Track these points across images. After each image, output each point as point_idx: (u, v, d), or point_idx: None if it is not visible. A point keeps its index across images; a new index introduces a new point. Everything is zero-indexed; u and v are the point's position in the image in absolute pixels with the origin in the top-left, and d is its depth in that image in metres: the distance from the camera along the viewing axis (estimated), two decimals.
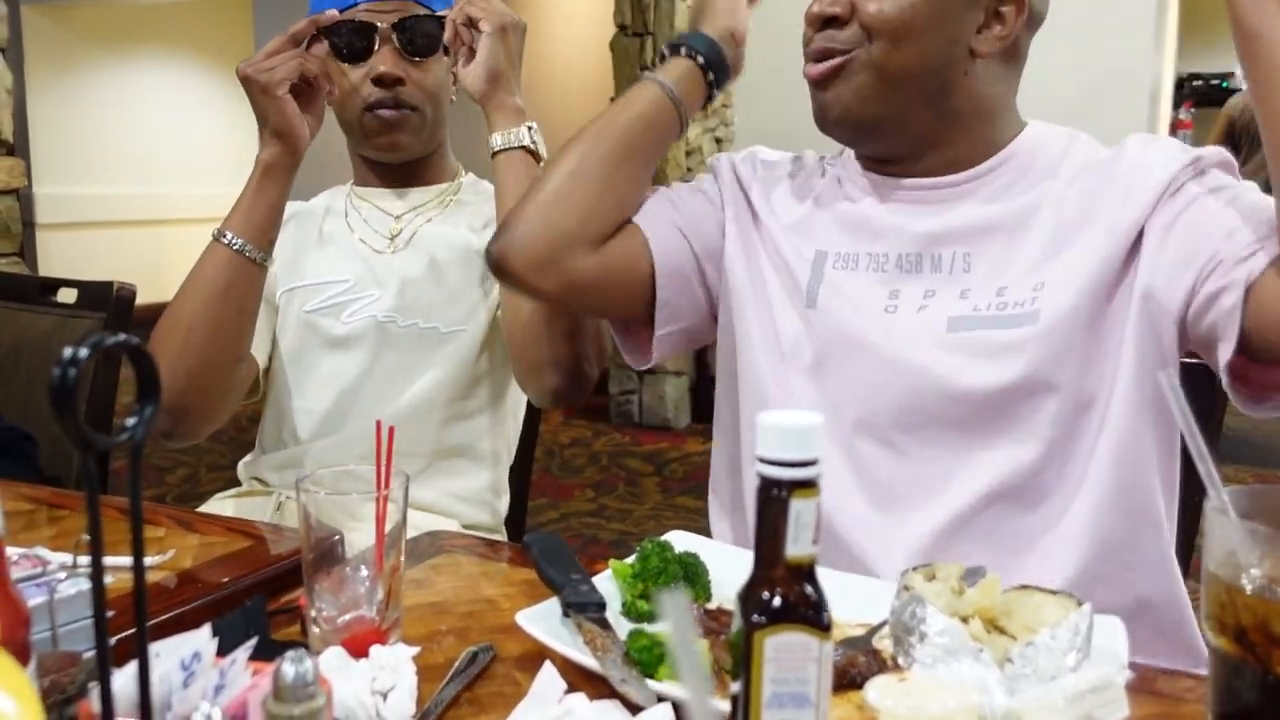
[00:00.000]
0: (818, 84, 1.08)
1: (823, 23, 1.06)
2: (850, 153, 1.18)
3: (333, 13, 1.38)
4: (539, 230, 1.09)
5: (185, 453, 4.16)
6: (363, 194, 1.53)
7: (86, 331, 1.88)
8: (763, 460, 0.55)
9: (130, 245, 7.57)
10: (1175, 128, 6.15)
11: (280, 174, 1.32)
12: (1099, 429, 1.01)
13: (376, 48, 1.40)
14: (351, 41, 1.40)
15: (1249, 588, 0.57)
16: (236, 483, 1.52)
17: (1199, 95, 6.98)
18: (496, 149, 1.32)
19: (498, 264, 1.11)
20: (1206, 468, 0.62)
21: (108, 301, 1.88)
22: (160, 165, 7.97)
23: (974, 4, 1.04)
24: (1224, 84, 7.04)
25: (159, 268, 6.68)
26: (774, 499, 0.55)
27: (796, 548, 0.55)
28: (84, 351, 0.48)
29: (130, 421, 0.51)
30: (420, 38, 1.42)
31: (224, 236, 1.31)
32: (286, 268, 1.49)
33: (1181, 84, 6.87)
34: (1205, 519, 0.59)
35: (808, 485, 0.55)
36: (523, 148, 1.32)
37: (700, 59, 1.14)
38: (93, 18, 7.64)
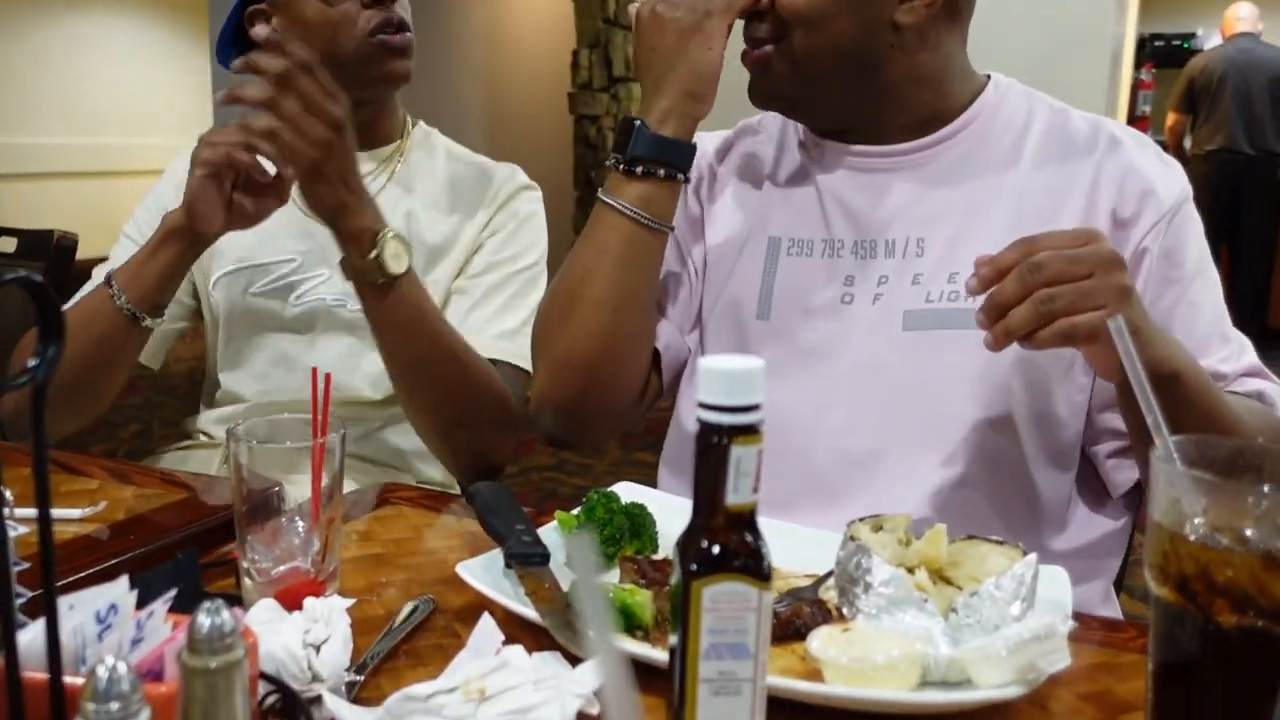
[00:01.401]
0: (752, 71, 1.08)
1: (750, 14, 1.04)
2: None
3: None
4: (577, 415, 1.11)
5: (138, 408, 4.11)
6: None
7: None
8: (703, 405, 0.54)
9: (80, 196, 7.40)
10: (1137, 88, 6.17)
11: (177, 244, 1.20)
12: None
13: None
14: None
15: (1192, 536, 0.56)
16: (188, 438, 1.49)
17: (1160, 56, 7.00)
18: (354, 282, 1.18)
19: (547, 439, 1.15)
20: (1154, 417, 0.61)
21: (47, 251, 1.83)
22: (111, 117, 7.79)
23: None
24: (1185, 44, 7.07)
25: (109, 220, 6.54)
26: (714, 446, 0.53)
27: (737, 496, 0.54)
28: None
29: (31, 363, 0.48)
30: None
31: (110, 285, 1.21)
32: (230, 240, 1.38)
33: (1143, 44, 6.88)
34: (1151, 468, 0.58)
35: (749, 431, 0.53)
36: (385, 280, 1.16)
37: (661, 172, 1.05)
38: None
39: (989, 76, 1.11)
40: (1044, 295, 0.79)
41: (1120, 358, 0.68)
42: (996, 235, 1.00)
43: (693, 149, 1.06)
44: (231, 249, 1.41)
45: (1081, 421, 1.03)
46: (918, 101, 1.06)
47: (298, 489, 0.83)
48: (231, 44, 1.45)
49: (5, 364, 1.49)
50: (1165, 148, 5.57)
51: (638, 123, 1.05)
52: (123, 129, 7.81)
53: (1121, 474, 1.03)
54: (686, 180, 1.07)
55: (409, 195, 1.43)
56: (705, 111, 1.05)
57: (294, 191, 1.38)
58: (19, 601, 0.61)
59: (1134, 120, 6.07)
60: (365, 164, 1.42)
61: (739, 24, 1.06)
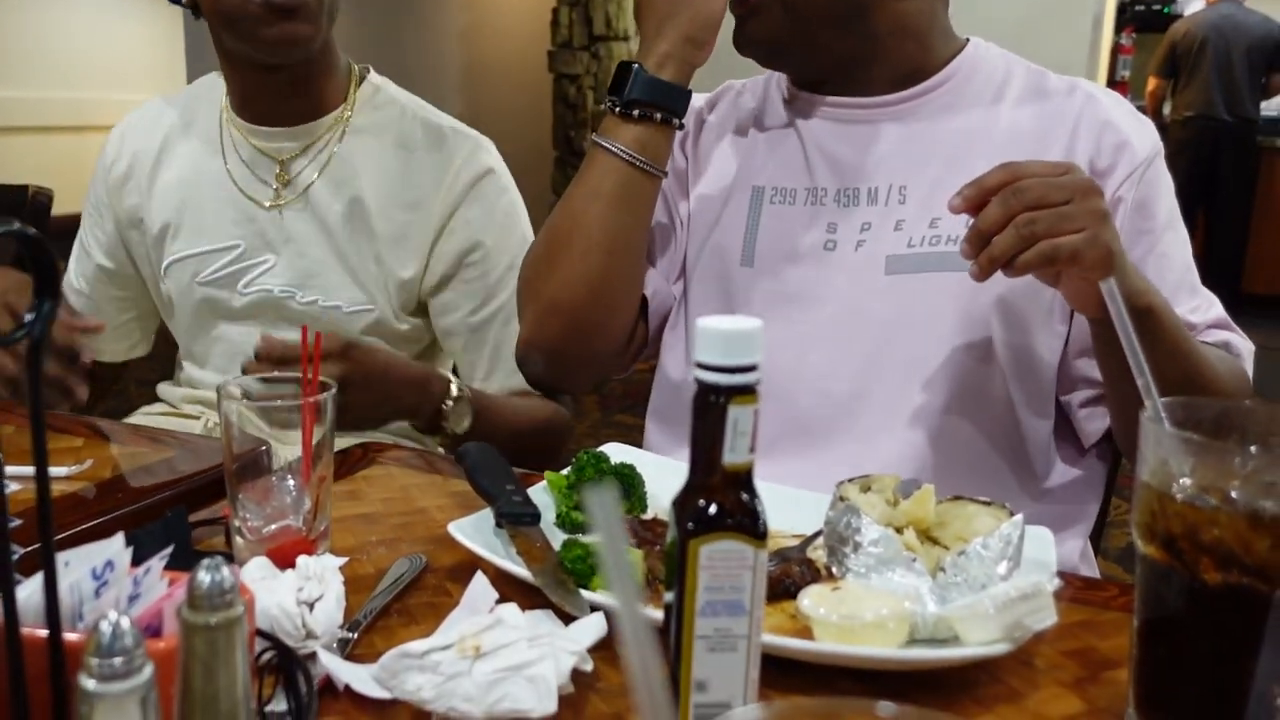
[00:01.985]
0: (737, 18, 1.07)
1: None
2: (781, 74, 1.16)
3: None
4: (564, 359, 1.12)
5: (116, 377, 4.07)
6: (241, 128, 1.35)
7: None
8: (701, 365, 0.54)
9: (53, 150, 7.29)
10: (1117, 52, 6.16)
11: None
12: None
13: None
14: None
15: (1179, 496, 0.57)
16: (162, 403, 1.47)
17: (1140, 20, 6.99)
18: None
19: (532, 382, 1.19)
20: (1145, 380, 0.62)
21: (23, 207, 1.81)
22: (84, 70, 7.65)
23: None
24: (1165, 10, 7.05)
25: (83, 175, 6.45)
26: (712, 405, 0.54)
27: (734, 455, 0.54)
28: None
29: (28, 317, 0.48)
30: None
31: None
32: (170, 229, 1.36)
33: (1124, 9, 6.86)
34: (1140, 428, 0.59)
35: (746, 391, 0.54)
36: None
37: (658, 116, 1.05)
38: None
39: (968, 39, 1.13)
40: (1025, 219, 0.82)
41: (1108, 308, 0.70)
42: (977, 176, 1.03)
43: (689, 94, 1.06)
44: (175, 236, 1.36)
45: (1055, 367, 1.05)
46: (902, 53, 1.07)
47: (288, 448, 0.83)
48: None
49: None
50: (1145, 113, 5.61)
51: (635, 65, 1.05)
52: (96, 83, 7.68)
53: (1093, 424, 1.06)
54: (681, 126, 1.07)
55: (353, 180, 1.32)
56: (704, 58, 1.05)
57: (230, 164, 1.34)
58: (14, 558, 0.61)
59: (1114, 85, 6.06)
60: (305, 132, 1.33)
61: None
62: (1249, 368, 1.02)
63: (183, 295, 1.37)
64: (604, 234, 1.06)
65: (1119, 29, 6.46)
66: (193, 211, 1.35)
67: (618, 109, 1.05)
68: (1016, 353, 1.03)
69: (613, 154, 1.05)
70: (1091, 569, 1.09)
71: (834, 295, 1.06)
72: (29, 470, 0.76)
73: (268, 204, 1.33)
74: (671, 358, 1.16)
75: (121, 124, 1.45)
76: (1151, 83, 6.03)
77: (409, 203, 1.32)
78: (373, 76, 1.40)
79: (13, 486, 0.71)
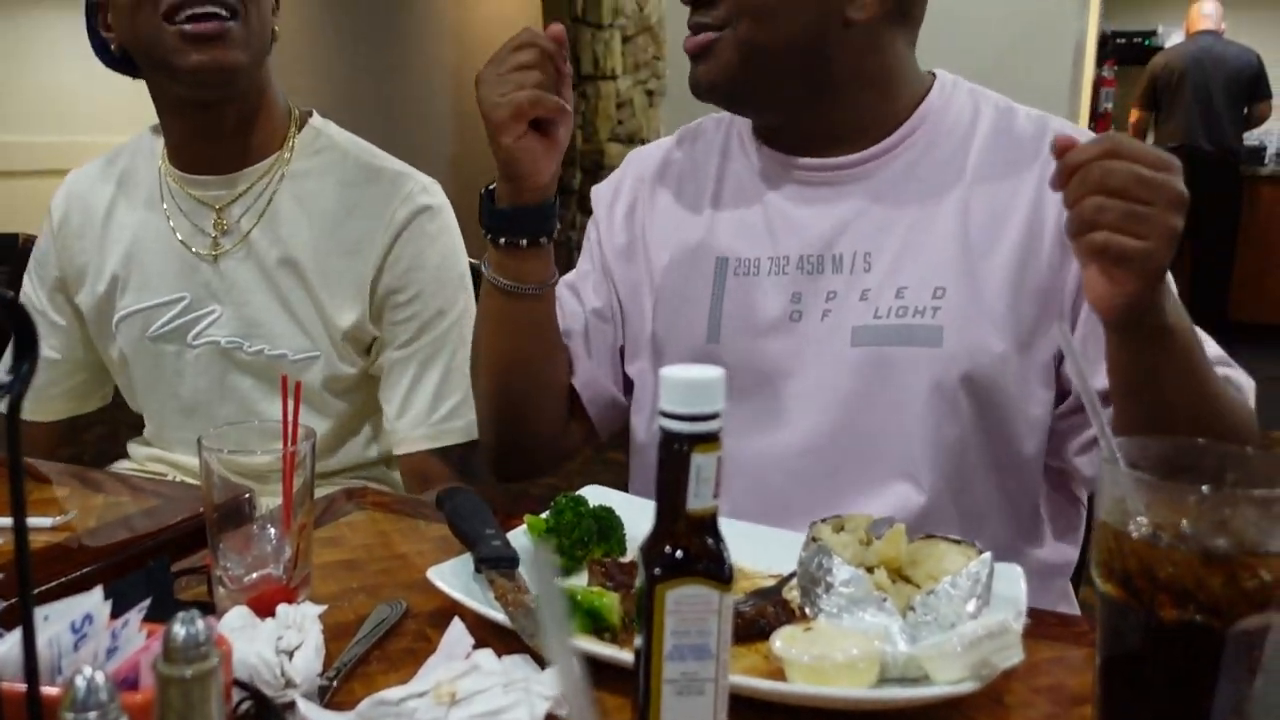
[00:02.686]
0: (691, 58, 1.05)
1: (695, 1, 1.03)
2: (745, 122, 1.15)
3: None
4: (501, 458, 1.18)
5: (103, 410, 4.07)
6: (178, 178, 1.33)
7: None
8: (664, 414, 0.55)
9: (42, 195, 7.31)
10: (1099, 85, 6.24)
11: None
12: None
13: None
14: None
15: (1135, 534, 0.58)
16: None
17: (1122, 53, 7.08)
18: None
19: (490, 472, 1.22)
20: (1099, 421, 0.64)
21: (13, 253, 1.82)
22: (72, 114, 7.68)
23: None
24: (1146, 42, 7.15)
25: None
26: (675, 453, 0.55)
27: (697, 501, 0.56)
28: None
29: (5, 377, 0.49)
30: None
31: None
32: (119, 283, 1.35)
33: (1105, 41, 6.95)
34: (1098, 468, 0.61)
35: (709, 439, 0.55)
36: None
37: (523, 241, 1.05)
38: None
39: (934, 75, 1.11)
40: (1095, 204, 0.78)
41: (1062, 347, 0.69)
42: (943, 246, 1.02)
43: (534, 216, 1.04)
44: (124, 291, 1.35)
45: (1041, 436, 1.03)
46: (863, 102, 1.06)
47: (268, 496, 0.84)
48: (98, 44, 1.33)
49: None
50: None
51: (486, 190, 1.06)
52: (83, 126, 7.73)
53: (1090, 470, 1.02)
54: (543, 243, 1.06)
55: (291, 226, 1.30)
56: (531, 188, 1.03)
57: (168, 212, 1.32)
58: None
59: (1096, 117, 6.14)
60: (241, 180, 1.30)
61: (685, 12, 1.06)
62: (1251, 403, 1.00)
63: (135, 351, 1.36)
64: (494, 355, 1.12)
65: (1100, 61, 6.55)
66: (139, 265, 1.34)
67: (486, 235, 1.07)
68: (992, 425, 1.01)
69: (488, 280, 1.08)
70: (1071, 607, 1.09)
71: (801, 368, 1.05)
72: (7, 522, 0.78)
73: (208, 254, 1.32)
74: (638, 420, 1.18)
75: (65, 183, 1.44)
76: (1134, 115, 6.10)
77: (348, 247, 1.30)
78: (315, 120, 1.38)
79: None
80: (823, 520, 0.83)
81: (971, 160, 1.05)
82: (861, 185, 1.06)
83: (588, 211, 1.20)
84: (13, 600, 0.56)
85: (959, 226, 1.03)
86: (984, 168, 1.04)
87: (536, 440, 1.17)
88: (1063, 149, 0.81)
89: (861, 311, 1.03)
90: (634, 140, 5.30)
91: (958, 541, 0.81)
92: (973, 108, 1.08)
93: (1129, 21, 7.28)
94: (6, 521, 0.78)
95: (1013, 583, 0.81)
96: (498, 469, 1.20)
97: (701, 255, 1.11)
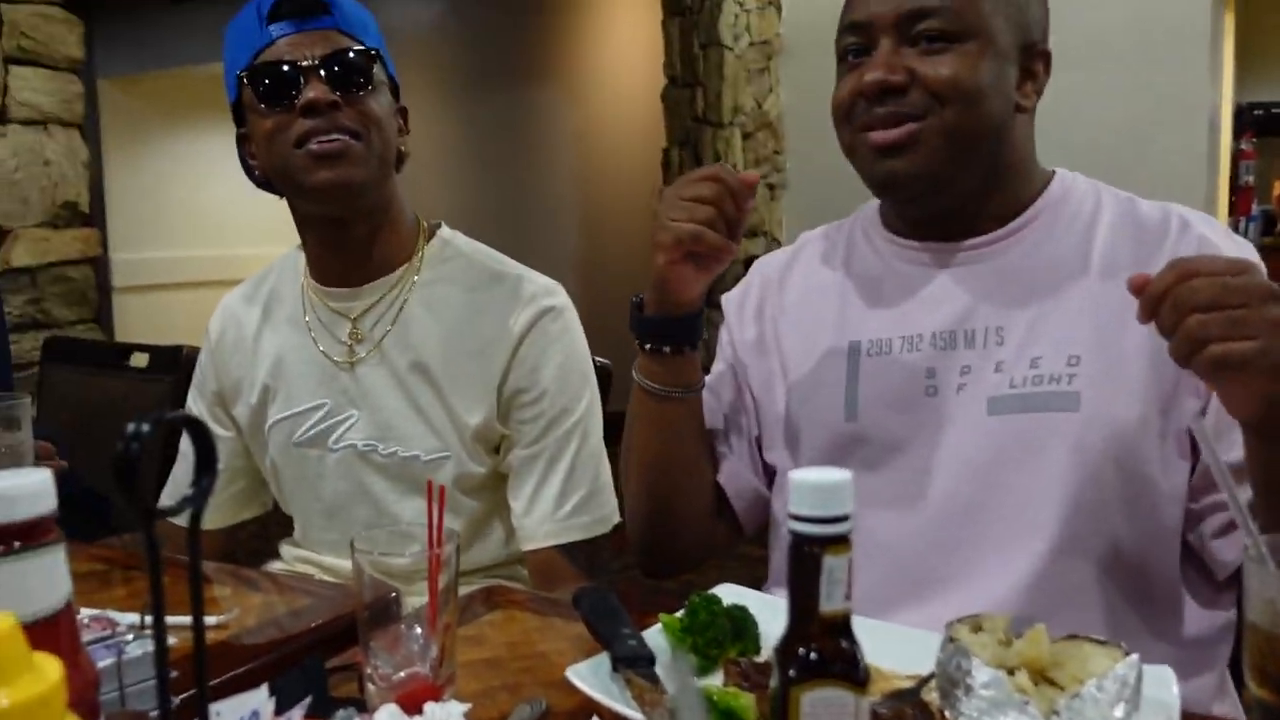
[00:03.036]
0: (887, 151, 1.05)
1: (882, 92, 1.04)
2: (870, 216, 1.19)
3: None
4: (651, 555, 1.22)
5: None
6: (318, 291, 1.42)
7: (158, 396, 1.95)
8: (794, 517, 0.57)
9: (203, 305, 7.76)
10: (1238, 158, 6.04)
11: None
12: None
13: (303, 85, 1.27)
14: (275, 83, 1.27)
15: None
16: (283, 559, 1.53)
17: (1260, 124, 6.85)
18: None
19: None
20: (1243, 518, 0.62)
21: (177, 364, 1.96)
22: (229, 227, 8.20)
23: (1014, 61, 1.06)
24: None
25: None
26: (806, 556, 0.56)
27: (830, 604, 0.57)
28: (146, 427, 0.51)
29: (189, 491, 0.54)
30: (353, 72, 1.29)
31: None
32: (270, 393, 1.43)
33: (1241, 113, 6.74)
34: (1244, 567, 0.59)
35: (840, 541, 0.56)
36: None
37: (665, 349, 1.10)
38: (164, 88, 7.93)
39: (1054, 171, 1.14)
40: (1196, 322, 0.79)
41: (1205, 454, 0.69)
42: (1075, 317, 1.04)
43: (682, 326, 1.09)
44: (274, 400, 1.43)
45: (1181, 504, 1.02)
46: (1010, 189, 1.09)
47: (414, 596, 0.88)
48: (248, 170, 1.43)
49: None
50: (1274, 219, 5.37)
51: (635, 300, 1.11)
52: (240, 239, 8.23)
53: (1227, 554, 1.01)
54: (688, 351, 1.10)
55: (421, 331, 1.36)
56: (678, 304, 1.08)
57: (310, 323, 1.41)
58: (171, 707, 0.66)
59: (1236, 190, 5.93)
60: (372, 291, 1.38)
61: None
62: None
63: (283, 457, 1.43)
64: (644, 455, 1.16)
65: (1238, 134, 6.35)
66: (285, 376, 1.42)
67: (635, 340, 1.12)
68: (1132, 491, 1.00)
69: (637, 383, 1.13)
70: (1231, 706, 1.04)
71: (938, 441, 1.06)
72: (183, 621, 0.83)
73: (345, 361, 1.39)
74: (780, 505, 1.19)
75: (220, 304, 1.54)
76: (1278, 187, 5.87)
77: (475, 350, 1.35)
78: (443, 231, 1.44)
79: (171, 640, 0.77)
80: (959, 620, 0.82)
81: (1098, 241, 1.07)
82: (989, 265, 1.09)
83: (714, 306, 1.24)
84: (187, 694, 0.60)
85: (1090, 299, 1.04)
86: (1112, 248, 1.06)
87: (685, 537, 1.20)
88: (1139, 286, 0.83)
89: (997, 383, 1.04)
90: (756, 234, 5.36)
91: (1103, 642, 0.78)
92: (1094, 196, 1.11)
93: (1267, 92, 7.05)
94: (178, 620, 0.84)
95: (1164, 686, 0.78)
96: (646, 566, 1.23)
97: (834, 340, 1.14)
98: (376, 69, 1.32)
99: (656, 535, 1.20)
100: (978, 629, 0.81)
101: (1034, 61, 1.07)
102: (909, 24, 1.03)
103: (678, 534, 1.20)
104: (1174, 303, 0.80)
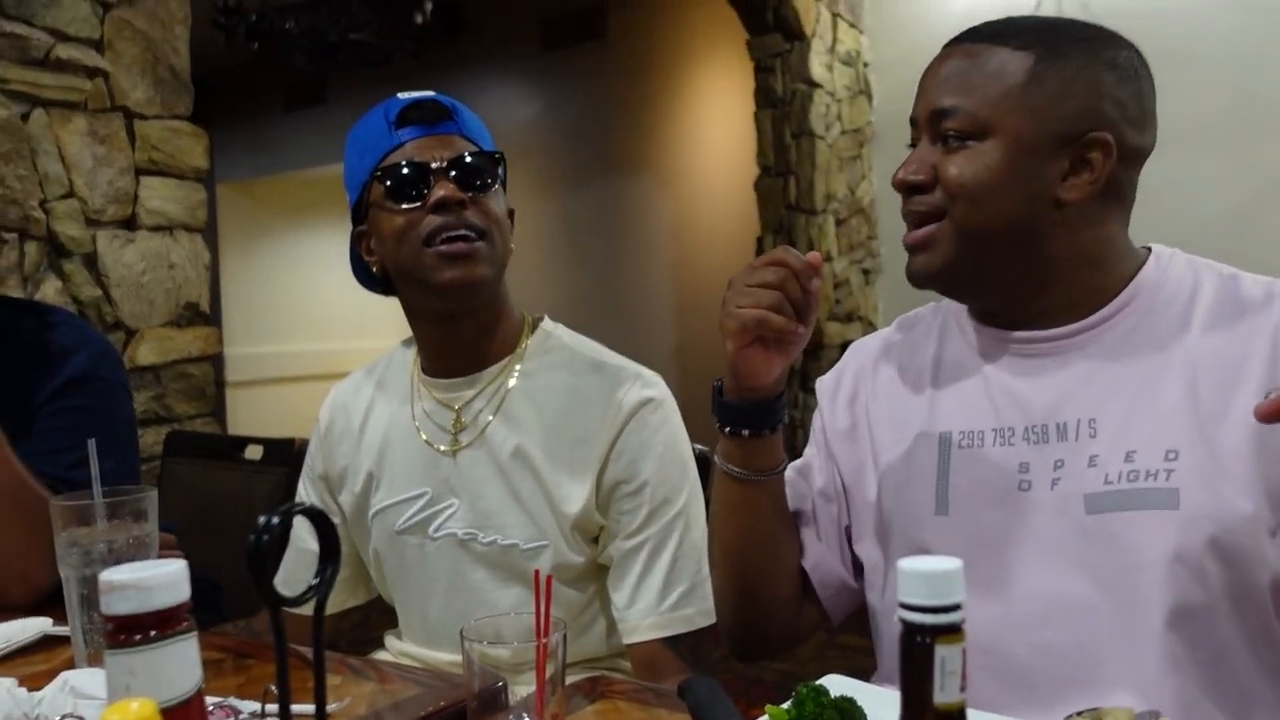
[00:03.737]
0: (911, 249, 1.09)
1: (908, 189, 1.07)
2: (962, 306, 1.18)
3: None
4: (740, 640, 1.22)
5: None
6: (427, 383, 1.45)
7: (270, 486, 2.02)
8: (905, 606, 0.56)
9: (309, 397, 8.01)
10: None
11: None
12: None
13: (433, 184, 1.33)
14: (407, 181, 1.33)
15: None
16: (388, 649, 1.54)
17: None
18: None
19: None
20: None
21: (289, 456, 2.02)
22: (333, 322, 8.50)
23: (1056, 154, 1.03)
24: None
25: None
26: (918, 646, 0.56)
27: (944, 695, 0.56)
28: (276, 519, 0.54)
29: (314, 580, 0.56)
30: (477, 173, 1.35)
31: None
32: (374, 481, 1.46)
33: None
34: None
35: (952, 630, 0.56)
36: None
37: (744, 432, 1.11)
38: (276, 191, 8.35)
39: (1149, 249, 1.11)
40: None
41: None
42: (1172, 409, 1.00)
43: (759, 410, 1.09)
44: (378, 488, 1.46)
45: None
46: (1078, 279, 1.06)
47: (521, 685, 0.89)
48: (359, 268, 1.48)
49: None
50: None
51: (716, 384, 1.11)
52: (343, 333, 8.51)
53: None
54: (767, 434, 1.10)
55: (523, 420, 1.39)
56: (754, 388, 1.08)
57: (415, 413, 1.44)
58: None
59: None
60: (477, 381, 1.41)
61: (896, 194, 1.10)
62: None
63: (386, 546, 1.46)
64: (728, 538, 1.16)
65: None
66: (389, 464, 1.45)
67: (716, 424, 1.12)
68: (1238, 589, 0.97)
69: (720, 468, 1.13)
70: None
71: (1034, 537, 1.03)
72: (303, 709, 0.86)
73: (448, 450, 1.41)
74: (885, 622, 1.17)
75: (330, 393, 1.59)
76: None
77: (575, 439, 1.36)
78: (545, 323, 1.47)
79: None
80: (1079, 714, 0.80)
81: (1196, 325, 1.03)
82: (1080, 354, 1.06)
83: (808, 390, 1.25)
84: None
85: (1187, 390, 1.01)
86: (1211, 331, 1.02)
87: (772, 621, 1.19)
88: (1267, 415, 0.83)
89: (1092, 478, 1.01)
90: (852, 318, 5.34)
91: None
92: (1193, 277, 1.07)
93: None
94: (303, 709, 0.86)
95: None
96: (735, 648, 1.22)
97: (926, 432, 1.13)
98: (497, 170, 1.39)
99: (741, 618, 1.19)
100: None
101: (1088, 150, 1.03)
102: (936, 122, 1.06)
103: (762, 617, 1.19)
104: None
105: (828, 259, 5.15)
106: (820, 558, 1.19)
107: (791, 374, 5.08)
